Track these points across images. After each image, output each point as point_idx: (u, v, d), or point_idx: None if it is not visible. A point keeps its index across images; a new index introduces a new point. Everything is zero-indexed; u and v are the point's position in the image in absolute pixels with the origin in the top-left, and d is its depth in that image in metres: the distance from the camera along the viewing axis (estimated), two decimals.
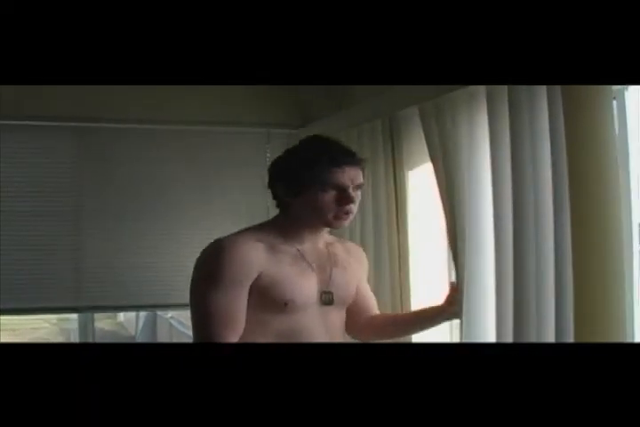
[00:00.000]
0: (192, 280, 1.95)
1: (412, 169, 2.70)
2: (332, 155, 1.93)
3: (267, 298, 1.92)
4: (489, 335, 2.16)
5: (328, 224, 1.97)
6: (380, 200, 2.77)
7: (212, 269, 1.90)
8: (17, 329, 12.95)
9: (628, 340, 1.79)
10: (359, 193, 1.98)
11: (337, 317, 2.05)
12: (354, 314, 2.14)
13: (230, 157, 3.44)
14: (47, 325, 13.56)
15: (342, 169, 1.91)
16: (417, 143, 2.58)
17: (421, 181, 2.66)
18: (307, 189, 1.92)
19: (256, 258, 1.91)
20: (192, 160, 3.40)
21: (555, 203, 1.88)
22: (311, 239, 2.02)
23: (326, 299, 2.00)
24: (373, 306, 2.22)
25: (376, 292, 2.58)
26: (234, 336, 1.88)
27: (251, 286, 1.91)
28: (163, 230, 3.37)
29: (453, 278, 2.31)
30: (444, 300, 2.18)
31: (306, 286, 1.97)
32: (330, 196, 1.92)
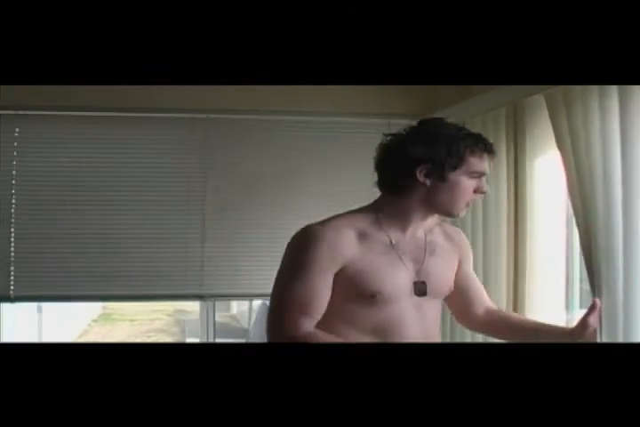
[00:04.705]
0: (281, 264, 1.91)
1: (535, 159, 2.65)
2: (475, 137, 1.88)
3: (354, 288, 1.84)
4: None
5: (456, 213, 1.91)
6: (500, 192, 2.73)
7: (296, 254, 1.86)
8: (136, 320, 13.48)
9: None
10: None
11: (432, 308, 1.96)
12: (463, 303, 2.08)
13: (351, 147, 3.46)
14: (164, 316, 14.04)
15: (483, 154, 1.87)
16: (542, 132, 2.53)
17: (545, 172, 2.60)
18: (454, 175, 1.85)
19: (344, 245, 1.83)
20: (314, 151, 3.45)
21: None
22: (413, 227, 1.93)
23: (419, 290, 1.91)
24: (483, 295, 2.12)
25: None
26: (309, 322, 1.82)
27: (337, 275, 1.84)
28: (282, 221, 3.41)
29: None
30: (580, 321, 1.98)
31: (396, 277, 1.88)
32: (471, 183, 1.88)
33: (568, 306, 2.61)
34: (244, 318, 13.59)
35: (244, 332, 12.60)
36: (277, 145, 3.43)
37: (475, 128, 2.87)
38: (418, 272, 1.91)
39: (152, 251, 3.37)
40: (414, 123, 3.31)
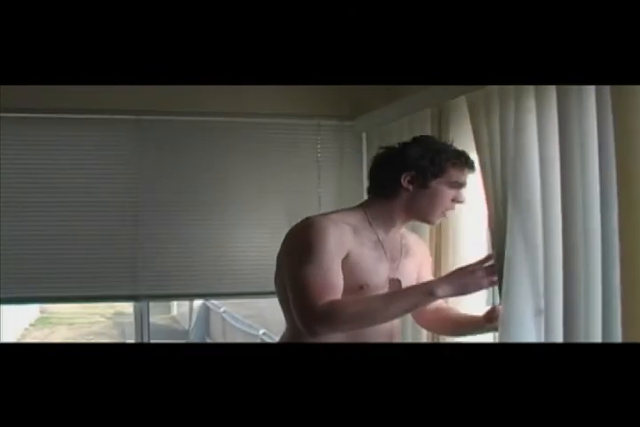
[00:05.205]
0: (287, 254, 2.03)
1: None
2: (458, 152, 2.12)
3: (348, 279, 1.98)
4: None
5: (433, 219, 2.13)
6: None
7: (307, 242, 1.97)
8: (75, 323, 13.29)
9: None
10: None
11: None
12: None
13: (281, 148, 3.50)
14: (103, 319, 13.88)
15: (464, 168, 2.09)
16: (465, 133, 2.58)
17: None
18: (435, 183, 2.05)
19: (344, 237, 2.00)
20: (246, 152, 3.46)
21: (602, 200, 1.78)
22: (394, 230, 2.14)
23: (394, 286, 2.09)
24: None
25: None
26: (334, 298, 1.92)
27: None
28: (217, 221, 3.45)
29: None
30: (484, 315, 2.18)
31: (380, 272, 2.07)
32: (450, 192, 2.07)
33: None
34: (184, 319, 13.52)
35: (185, 333, 12.54)
36: (209, 146, 3.43)
37: (402, 129, 2.95)
38: (394, 270, 2.11)
39: (85, 252, 3.33)
40: (345, 124, 3.48)
